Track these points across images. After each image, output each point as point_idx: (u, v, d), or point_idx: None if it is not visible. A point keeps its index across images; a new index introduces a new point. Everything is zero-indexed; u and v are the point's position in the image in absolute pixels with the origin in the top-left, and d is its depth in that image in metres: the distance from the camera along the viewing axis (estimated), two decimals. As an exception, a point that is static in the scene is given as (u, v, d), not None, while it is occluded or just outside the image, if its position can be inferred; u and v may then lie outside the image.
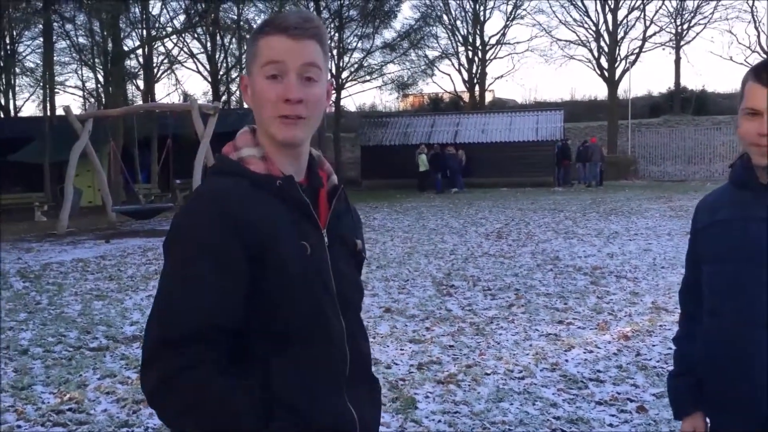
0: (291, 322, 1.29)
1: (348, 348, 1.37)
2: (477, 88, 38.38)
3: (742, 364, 1.64)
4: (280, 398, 1.27)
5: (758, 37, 39.41)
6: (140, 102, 26.08)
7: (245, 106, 35.51)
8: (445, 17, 37.29)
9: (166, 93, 54.90)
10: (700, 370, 1.80)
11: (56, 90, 27.60)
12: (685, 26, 35.86)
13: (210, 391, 1.19)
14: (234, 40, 32.05)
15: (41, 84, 25.99)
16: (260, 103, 1.32)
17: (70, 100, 79.20)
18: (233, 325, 1.24)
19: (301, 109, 1.30)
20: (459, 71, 38.44)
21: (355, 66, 33.96)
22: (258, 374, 1.27)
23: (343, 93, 34.54)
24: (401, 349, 5.45)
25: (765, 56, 34.15)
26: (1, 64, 28.38)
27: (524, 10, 37.54)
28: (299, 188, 1.32)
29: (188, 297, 1.22)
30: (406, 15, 75.33)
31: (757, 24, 35.46)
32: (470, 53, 38.19)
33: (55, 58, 26.03)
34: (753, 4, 40.81)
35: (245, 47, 1.91)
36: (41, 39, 25.52)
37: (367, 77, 34.34)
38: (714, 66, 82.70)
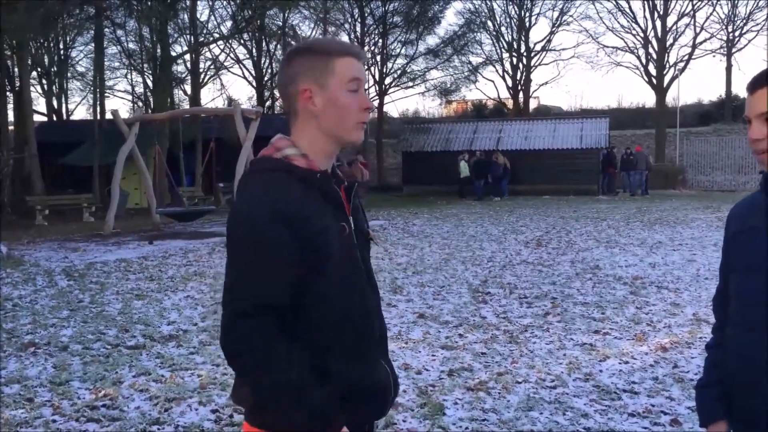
0: (338, 297, 1.55)
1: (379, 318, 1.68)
2: (521, 94, 38.05)
3: (760, 377, 1.62)
4: (330, 364, 1.54)
5: (814, 43, 38.27)
6: (186, 106, 26.56)
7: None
8: (489, 23, 37.14)
9: (211, 98, 55.76)
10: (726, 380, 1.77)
11: (106, 94, 28.32)
12: (737, 33, 35.00)
13: (275, 352, 1.46)
14: (279, 46, 32.42)
15: (92, 88, 26.65)
16: (340, 112, 1.55)
17: (119, 104, 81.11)
18: (287, 300, 1.50)
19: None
20: (503, 78, 38.19)
21: (399, 72, 34.05)
22: (309, 345, 1.52)
23: (386, 99, 34.66)
24: (433, 355, 5.42)
25: (821, 63, 33.15)
26: (55, 69, 29.25)
27: (570, 16, 37.17)
28: (332, 182, 1.58)
29: (254, 276, 1.48)
30: (450, 21, 75.29)
31: (813, 30, 34.46)
32: (515, 59, 37.89)
33: (105, 63, 26.73)
34: (809, 10, 39.65)
35: (305, 61, 1.86)
36: (93, 44, 26.24)
37: (410, 83, 34.40)
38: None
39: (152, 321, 6.76)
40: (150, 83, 26.16)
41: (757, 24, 34.10)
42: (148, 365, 5.26)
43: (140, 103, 28.05)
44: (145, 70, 27.23)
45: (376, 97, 34.28)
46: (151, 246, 13.09)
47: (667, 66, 33.24)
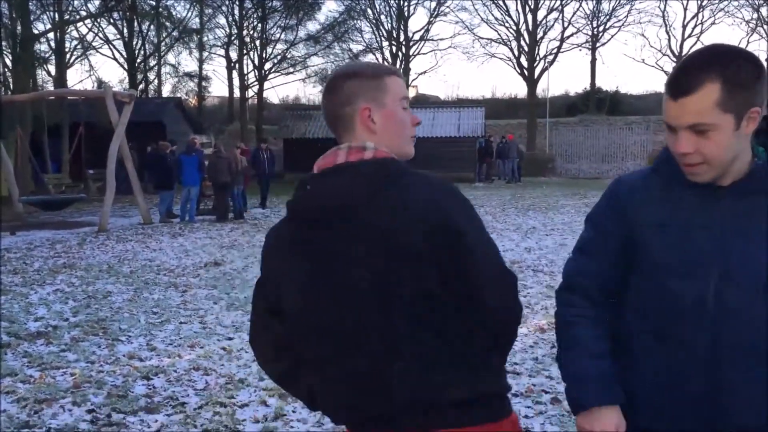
0: None
1: None
2: (401, 83, 38.49)
3: (714, 399, 1.48)
4: None
5: (669, 40, 41.36)
6: (51, 88, 24.95)
7: (164, 95, 34.44)
8: (369, 11, 37.29)
9: (79, 79, 52.65)
10: (643, 393, 1.57)
11: (-42, 73, 26.04)
12: (601, 28, 37.11)
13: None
14: (152, 26, 31.07)
15: (-58, 66, 24.41)
16: (399, 127, 1.65)
17: (-26, 85, 74.93)
18: None
19: None
20: (383, 66, 38.47)
21: (279, 57, 33.58)
22: None
23: (266, 84, 34.09)
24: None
25: (675, 59, 35.74)
26: None
27: (447, 7, 37.79)
28: None
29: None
30: (330, 8, 75.10)
31: (668, 28, 37.17)
32: (394, 48, 38.31)
33: (-43, 40, 24.55)
34: (664, 9, 42.73)
35: (358, 83, 1.73)
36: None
37: (291, 69, 34.00)
38: (627, 68, 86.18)
39: (17, 317, 6.29)
40: (9, 63, 24.32)
41: (619, 20, 36.37)
42: (14, 365, 4.90)
43: (-2, 84, 25.98)
44: (3, 48, 25.27)
45: (256, 83, 33.62)
46: (13, 237, 12.21)
47: (538, 58, 34.77)
